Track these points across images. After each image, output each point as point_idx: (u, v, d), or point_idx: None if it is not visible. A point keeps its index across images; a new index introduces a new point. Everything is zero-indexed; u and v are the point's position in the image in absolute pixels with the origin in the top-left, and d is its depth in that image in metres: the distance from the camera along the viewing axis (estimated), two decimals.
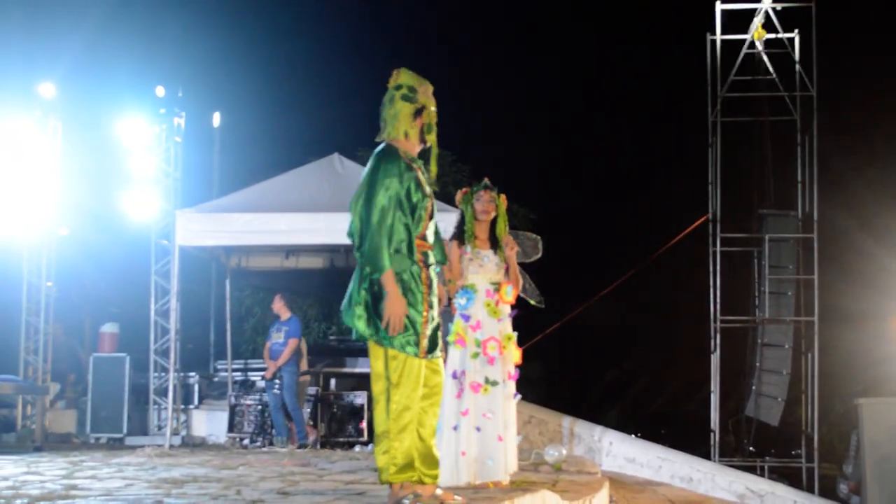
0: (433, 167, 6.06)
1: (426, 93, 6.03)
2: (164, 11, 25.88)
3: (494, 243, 7.62)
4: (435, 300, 5.91)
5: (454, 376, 7.30)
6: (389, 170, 5.74)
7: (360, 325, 5.76)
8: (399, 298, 5.68)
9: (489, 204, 7.60)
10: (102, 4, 21.51)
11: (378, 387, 5.78)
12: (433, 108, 6.05)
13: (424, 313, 5.78)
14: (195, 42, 24.66)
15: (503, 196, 7.74)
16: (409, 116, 5.96)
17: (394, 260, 5.68)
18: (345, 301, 5.92)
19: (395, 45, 34.75)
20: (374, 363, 5.80)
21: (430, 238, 5.95)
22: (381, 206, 5.66)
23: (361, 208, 5.76)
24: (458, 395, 7.27)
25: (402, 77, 6.03)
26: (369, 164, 5.85)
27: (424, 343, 5.76)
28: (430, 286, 5.86)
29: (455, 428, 7.24)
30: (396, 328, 5.66)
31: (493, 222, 7.68)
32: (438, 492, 5.88)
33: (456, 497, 5.99)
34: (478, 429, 7.25)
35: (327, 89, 31.14)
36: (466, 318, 7.43)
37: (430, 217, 5.96)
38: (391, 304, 5.65)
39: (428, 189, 5.91)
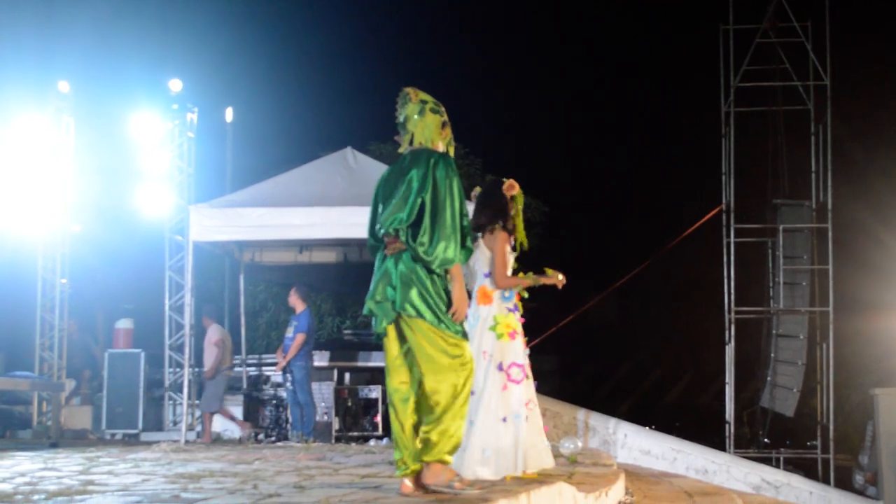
0: None
1: (445, 114, 6.42)
2: (177, 7, 25.90)
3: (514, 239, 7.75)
4: None
5: (500, 368, 7.33)
6: (456, 172, 6.09)
7: (423, 309, 5.94)
8: (464, 289, 6.12)
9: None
10: (114, 2, 21.55)
11: (437, 369, 5.93)
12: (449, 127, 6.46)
13: None
14: (207, 38, 24.65)
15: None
16: (438, 127, 6.34)
17: (464, 254, 6.03)
18: (385, 285, 6.04)
19: (408, 40, 34.74)
20: (430, 348, 5.94)
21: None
22: (457, 204, 5.98)
23: (431, 203, 5.97)
24: (504, 387, 7.30)
25: (422, 94, 6.40)
26: (429, 164, 6.07)
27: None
28: None
29: (504, 420, 7.26)
30: (461, 316, 6.03)
31: None
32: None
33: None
34: (525, 417, 7.34)
35: (339, 84, 31.12)
36: (515, 309, 7.51)
37: None
38: (462, 293, 6.07)
39: None
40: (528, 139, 33.27)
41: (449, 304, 5.98)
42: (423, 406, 5.95)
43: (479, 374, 7.24)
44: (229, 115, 18.40)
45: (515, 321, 7.48)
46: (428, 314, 5.92)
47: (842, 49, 18.76)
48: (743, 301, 18.40)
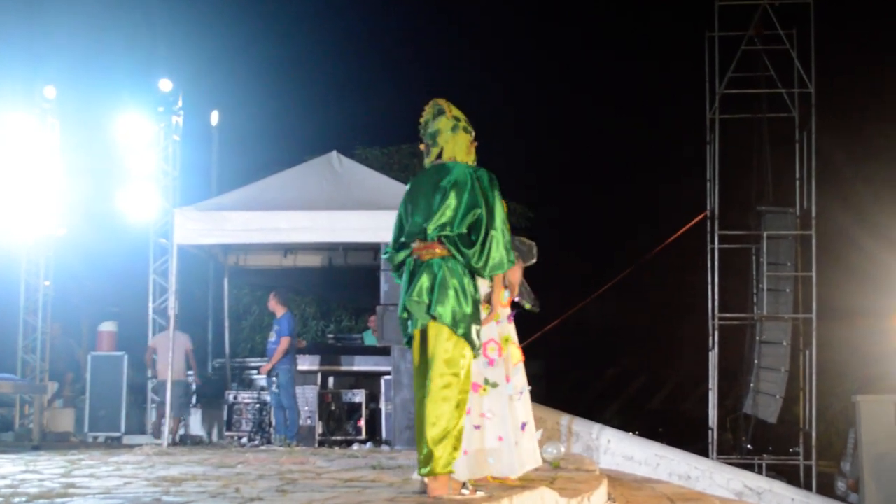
0: None
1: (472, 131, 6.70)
2: (163, 10, 25.84)
3: None
4: None
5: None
6: (497, 185, 6.36)
7: (459, 320, 6.13)
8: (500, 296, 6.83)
9: None
10: (100, 4, 21.49)
11: (446, 379, 6.08)
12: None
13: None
14: (193, 41, 24.61)
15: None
16: (467, 146, 6.56)
17: (510, 262, 6.34)
18: (424, 287, 6.18)
19: (392, 43, 34.76)
20: (445, 359, 6.11)
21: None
22: (504, 216, 6.28)
23: (486, 215, 6.21)
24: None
25: (455, 110, 6.63)
26: (472, 177, 6.30)
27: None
28: None
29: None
30: (492, 317, 6.73)
31: None
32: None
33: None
34: (476, 427, 7.23)
35: (325, 87, 31.15)
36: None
37: None
38: (499, 299, 6.74)
39: None
40: (513, 145, 33.33)
41: (476, 310, 6.25)
42: (428, 414, 6.03)
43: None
44: (215, 118, 18.35)
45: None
46: (461, 327, 6.10)
47: (826, 57, 18.86)
48: (726, 307, 18.45)
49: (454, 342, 6.10)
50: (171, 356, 13.46)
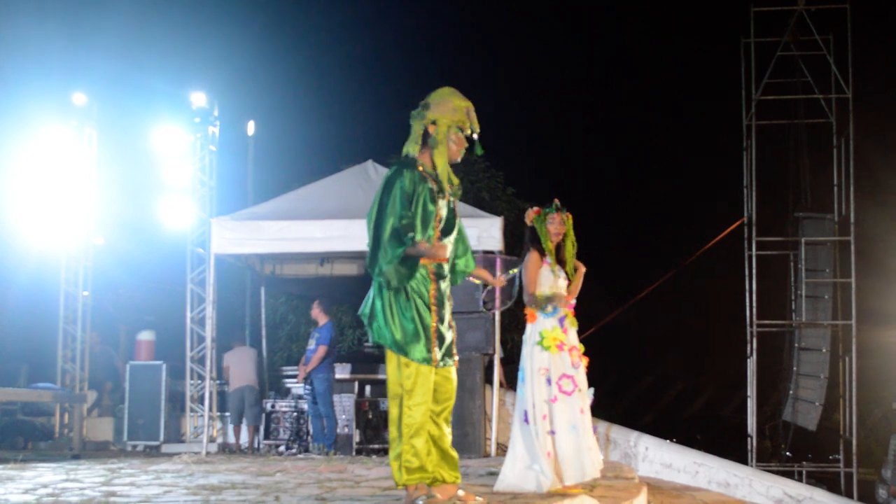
0: (454, 179, 6.15)
1: (444, 109, 6.12)
2: (200, 20, 25.99)
3: (561, 261, 7.75)
4: (447, 313, 6.11)
5: (549, 382, 7.40)
6: (395, 181, 5.93)
7: (377, 333, 5.99)
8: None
9: (560, 226, 7.77)
10: (137, 15, 21.65)
11: (391, 393, 6.02)
12: (448, 123, 6.12)
13: (433, 324, 5.97)
14: (230, 51, 24.73)
15: (569, 216, 7.88)
16: (418, 135, 6.15)
17: (401, 271, 5.88)
18: (364, 308, 6.14)
19: (431, 53, 34.80)
20: (389, 369, 6.03)
21: (447, 252, 6.15)
22: (389, 218, 5.86)
23: (373, 222, 5.95)
24: (554, 399, 7.35)
25: (432, 95, 6.20)
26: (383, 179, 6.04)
27: (436, 352, 5.96)
28: (438, 299, 6.05)
29: (553, 433, 7.37)
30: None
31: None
32: (461, 492, 6.14)
33: (477, 498, 6.24)
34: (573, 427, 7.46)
35: (361, 96, 31.20)
36: (560, 323, 7.57)
37: (449, 231, 6.15)
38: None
39: (442, 202, 6.07)
40: (549, 151, 33.31)
41: (415, 326, 5.89)
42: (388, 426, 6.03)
43: (540, 391, 7.33)
44: (251, 128, 18.44)
45: (561, 333, 7.53)
46: (388, 338, 5.92)
47: (864, 62, 18.71)
48: (765, 314, 18.32)
49: (392, 357, 5.99)
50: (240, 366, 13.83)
